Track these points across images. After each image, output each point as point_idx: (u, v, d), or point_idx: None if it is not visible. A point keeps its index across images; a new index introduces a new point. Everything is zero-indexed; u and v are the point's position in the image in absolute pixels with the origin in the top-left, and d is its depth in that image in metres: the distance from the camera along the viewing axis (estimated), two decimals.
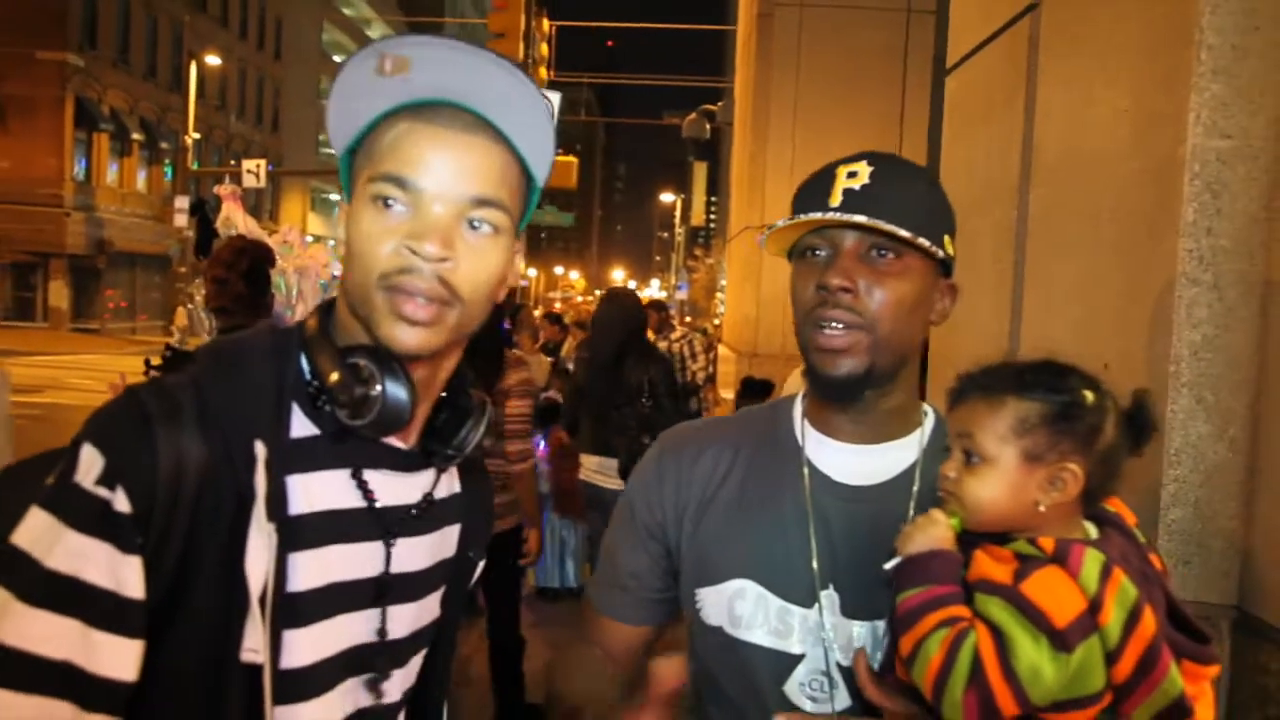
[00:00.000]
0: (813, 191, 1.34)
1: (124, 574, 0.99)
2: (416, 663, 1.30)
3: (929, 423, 1.44)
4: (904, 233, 1.27)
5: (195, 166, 33.35)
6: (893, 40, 8.71)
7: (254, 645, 1.04)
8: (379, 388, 1.10)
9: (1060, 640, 1.06)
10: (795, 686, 1.34)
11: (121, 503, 0.99)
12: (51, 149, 32.41)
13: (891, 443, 1.40)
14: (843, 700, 1.32)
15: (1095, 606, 1.08)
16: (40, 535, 0.98)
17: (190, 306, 5.37)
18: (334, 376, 1.11)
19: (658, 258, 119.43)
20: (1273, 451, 1.76)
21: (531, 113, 1.15)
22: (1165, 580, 1.21)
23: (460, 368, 1.27)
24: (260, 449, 1.06)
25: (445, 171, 1.10)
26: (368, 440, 1.15)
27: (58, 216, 32.41)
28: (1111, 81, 2.15)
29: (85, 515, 0.98)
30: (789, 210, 1.35)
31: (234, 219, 6.22)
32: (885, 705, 1.21)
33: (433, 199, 1.10)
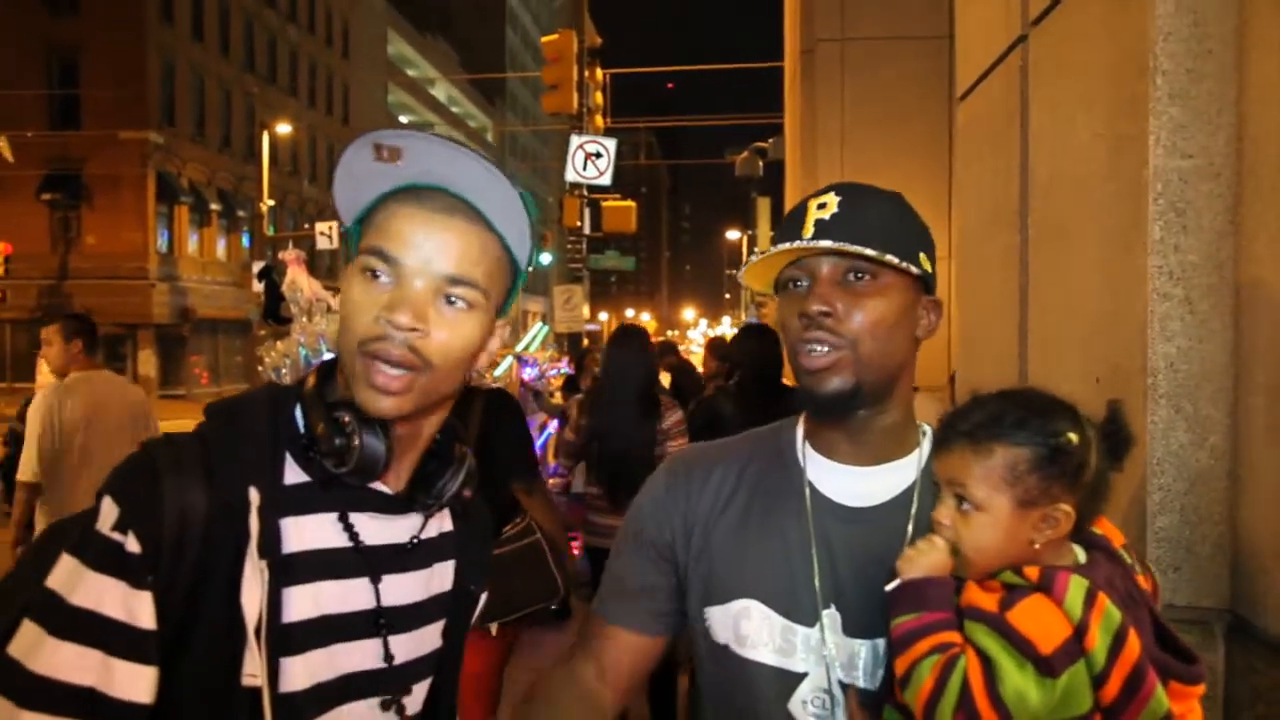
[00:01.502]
0: (788, 227, 1.39)
1: (137, 608, 1.12)
2: (421, 690, 1.40)
3: (927, 443, 1.45)
4: (870, 252, 1.32)
5: (271, 232, 34.54)
6: (935, 68, 8.73)
7: (253, 670, 1.16)
8: (358, 440, 1.23)
9: (1046, 666, 1.10)
10: (799, 704, 1.37)
11: (133, 545, 1.12)
12: (136, 224, 33.89)
13: (889, 464, 1.42)
14: (844, 718, 1.35)
15: (1080, 632, 1.11)
16: (66, 576, 1.12)
17: (261, 369, 5.60)
18: (319, 429, 1.24)
19: (728, 295, 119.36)
20: (1253, 457, 1.81)
21: (510, 201, 1.27)
22: (1153, 600, 1.25)
23: (450, 421, 1.40)
24: (254, 495, 1.19)
25: (425, 250, 1.22)
26: (354, 486, 1.28)
27: (144, 288, 33.80)
28: (1089, 107, 2.23)
29: (103, 557, 1.12)
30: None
31: (299, 282, 6.50)
32: None
33: (413, 274, 1.22)
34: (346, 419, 1.23)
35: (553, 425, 8.25)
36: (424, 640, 1.38)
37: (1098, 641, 1.11)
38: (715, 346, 8.15)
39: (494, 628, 3.98)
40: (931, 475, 1.38)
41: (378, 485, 1.31)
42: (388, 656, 1.31)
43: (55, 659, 1.08)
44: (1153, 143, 1.89)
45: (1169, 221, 1.89)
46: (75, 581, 1.11)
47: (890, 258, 1.32)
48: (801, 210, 1.39)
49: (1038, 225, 2.59)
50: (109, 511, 1.14)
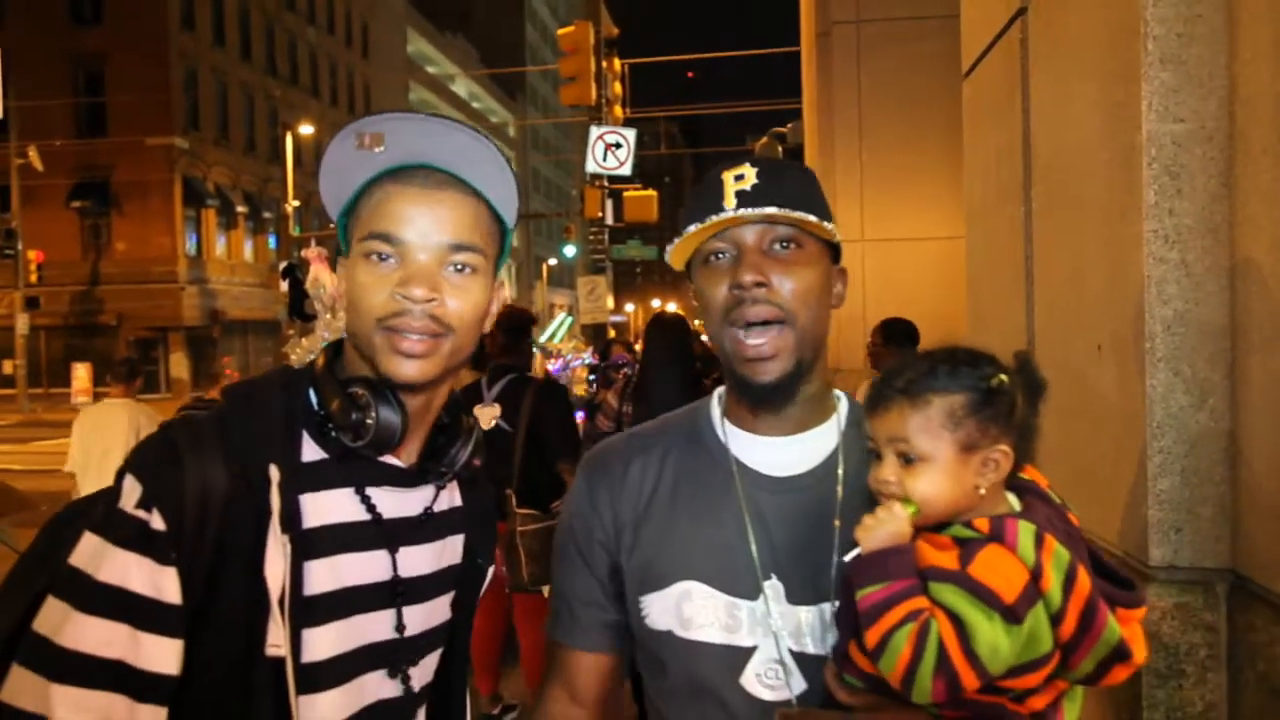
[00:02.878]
0: (704, 201, 1.37)
1: (162, 583, 1.17)
2: (432, 661, 1.45)
3: (843, 406, 1.48)
4: (812, 218, 1.34)
5: (297, 232, 34.78)
6: (952, 48, 8.63)
7: (276, 641, 1.21)
8: (374, 413, 1.28)
9: (1011, 614, 1.13)
10: (751, 678, 1.37)
11: (157, 522, 1.17)
12: (164, 228, 34.32)
13: (811, 431, 1.43)
14: (799, 685, 1.35)
15: (1036, 574, 1.15)
16: (91, 554, 1.17)
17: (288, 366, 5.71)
18: (335, 405, 1.29)
19: None
20: (1252, 419, 1.83)
21: (493, 167, 1.33)
22: (1083, 535, 1.28)
23: (453, 395, 1.45)
24: (274, 472, 1.24)
25: (425, 225, 1.28)
26: (369, 460, 1.33)
27: (174, 291, 34.20)
28: (1084, 76, 2.24)
29: (127, 534, 1.17)
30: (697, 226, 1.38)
31: (322, 279, 6.57)
32: (853, 702, 1.27)
33: (417, 249, 1.28)
34: (361, 393, 1.28)
35: (578, 416, 8.28)
36: (435, 612, 1.43)
37: (1052, 581, 1.15)
38: None
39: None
40: (853, 437, 1.42)
41: (391, 459, 1.35)
42: (399, 626, 1.35)
43: (84, 634, 1.13)
44: (1145, 108, 1.91)
45: (1163, 186, 1.90)
46: (100, 558, 1.16)
47: (828, 225, 1.35)
48: (717, 183, 1.38)
49: (1040, 197, 2.61)
50: (132, 490, 1.19)
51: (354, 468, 1.32)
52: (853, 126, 8.70)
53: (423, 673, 1.42)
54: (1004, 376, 1.24)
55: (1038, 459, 1.31)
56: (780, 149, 20.39)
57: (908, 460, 1.25)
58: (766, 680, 1.37)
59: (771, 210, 1.32)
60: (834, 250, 1.42)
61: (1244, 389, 1.85)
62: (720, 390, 1.54)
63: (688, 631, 1.40)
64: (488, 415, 4.79)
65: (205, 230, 36.46)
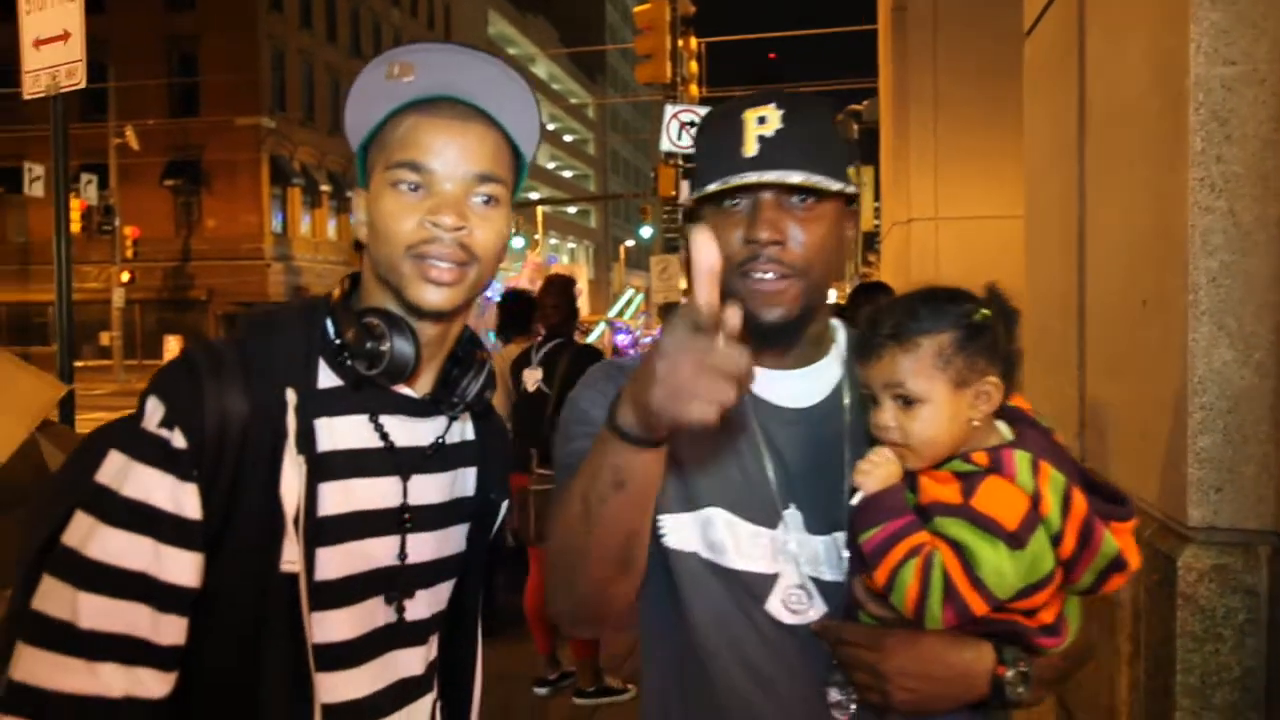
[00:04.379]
0: (723, 142, 1.34)
1: (183, 499, 1.22)
2: (445, 590, 1.48)
3: (841, 337, 1.49)
4: (834, 185, 1.32)
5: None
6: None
7: (291, 558, 1.25)
8: (388, 342, 1.30)
9: (1015, 540, 1.19)
10: (776, 603, 1.38)
11: (179, 440, 1.22)
12: (251, 207, 35.25)
13: (817, 364, 1.45)
14: (819, 609, 1.38)
15: (1035, 500, 1.21)
16: (116, 471, 1.22)
17: None
18: (351, 334, 1.32)
19: None
20: None
21: (518, 100, 1.37)
22: (1070, 454, 1.31)
23: (467, 329, 1.47)
24: (291, 395, 1.28)
25: (452, 154, 1.31)
26: (383, 389, 1.36)
27: (260, 268, 35.12)
28: (1136, 25, 2.16)
29: (150, 452, 1.22)
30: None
31: None
32: (882, 614, 1.29)
33: (444, 178, 1.30)
34: (376, 323, 1.31)
35: None
36: (446, 542, 1.45)
37: (1051, 505, 1.21)
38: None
39: None
40: (853, 366, 1.42)
41: (405, 389, 1.38)
42: (402, 554, 1.38)
43: (110, 546, 1.18)
44: (1193, 50, 1.83)
45: (1211, 132, 1.82)
46: (125, 475, 1.21)
47: (850, 189, 1.34)
48: (738, 124, 1.34)
49: (1094, 155, 2.53)
50: (154, 410, 1.24)
51: (368, 396, 1.35)
52: (928, 102, 8.51)
53: (431, 601, 1.45)
54: (985, 310, 1.27)
55: (1021, 393, 1.33)
56: (855, 127, 20.11)
57: (906, 403, 1.27)
58: (792, 605, 1.38)
59: (796, 179, 1.30)
60: (850, 197, 1.40)
61: None
62: None
63: (715, 555, 1.40)
64: (531, 378, 4.98)
65: (291, 208, 37.34)
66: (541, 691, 5.08)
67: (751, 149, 1.32)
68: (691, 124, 14.28)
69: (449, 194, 1.30)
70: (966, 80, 8.31)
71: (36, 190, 23.96)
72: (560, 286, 5.35)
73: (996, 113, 8.08)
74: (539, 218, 39.24)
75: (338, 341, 1.34)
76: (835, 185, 1.32)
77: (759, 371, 1.43)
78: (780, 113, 1.33)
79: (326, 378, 1.34)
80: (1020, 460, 1.22)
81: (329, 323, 1.37)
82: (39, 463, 2.46)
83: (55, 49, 5.14)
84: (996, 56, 8.29)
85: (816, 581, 1.38)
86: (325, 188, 39.03)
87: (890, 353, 1.28)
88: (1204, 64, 1.83)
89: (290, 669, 1.26)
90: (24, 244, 34.52)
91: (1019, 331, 1.29)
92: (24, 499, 1.88)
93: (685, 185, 19.50)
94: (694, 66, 20.35)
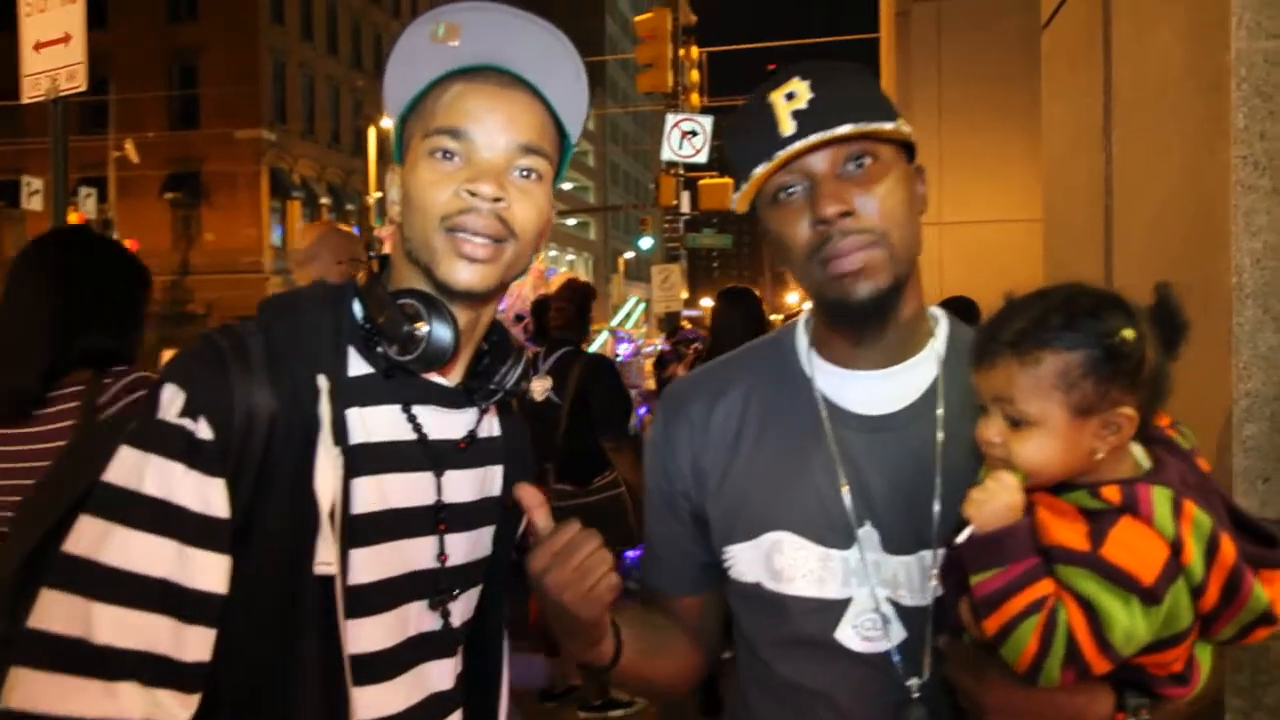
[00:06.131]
0: (756, 132, 1.24)
1: (210, 496, 1.10)
2: (473, 596, 1.38)
3: (941, 330, 1.35)
4: (888, 125, 1.20)
5: (378, 224, 35.33)
6: (1034, 25, 8.40)
7: (326, 559, 1.13)
8: (425, 326, 1.21)
9: (1150, 596, 1.03)
10: (848, 631, 1.28)
11: (204, 431, 1.10)
12: (250, 220, 35.21)
13: (906, 362, 1.31)
14: (898, 635, 1.27)
15: (1176, 549, 1.04)
16: (132, 468, 1.09)
17: None
18: (384, 317, 1.22)
19: None
20: None
21: (568, 73, 1.28)
22: (1217, 485, 1.15)
23: (497, 320, 1.38)
24: (323, 382, 1.17)
25: (494, 123, 1.22)
26: (416, 378, 1.26)
27: (259, 281, 34.99)
28: (1168, 2, 2.10)
29: (172, 445, 1.10)
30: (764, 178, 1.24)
31: None
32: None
33: (485, 147, 1.22)
34: (411, 304, 1.22)
35: (641, 411, 8.09)
36: (478, 543, 1.36)
37: (1194, 554, 1.04)
38: None
39: None
40: (953, 365, 1.30)
41: (437, 378, 1.29)
42: (441, 554, 1.29)
43: (128, 550, 1.05)
44: (1235, 24, 1.77)
45: (1254, 108, 1.76)
46: (143, 471, 1.08)
47: (904, 127, 1.24)
48: (767, 108, 1.24)
49: (1121, 142, 2.46)
50: (173, 398, 1.12)
51: (400, 384, 1.26)
52: (932, 108, 8.47)
53: (463, 607, 1.35)
54: (1129, 332, 1.06)
55: None
56: None
57: (1015, 422, 1.10)
58: (865, 632, 1.28)
59: (845, 129, 1.18)
60: (909, 150, 1.29)
61: None
62: (804, 317, 1.42)
63: (778, 585, 1.32)
64: (540, 387, 4.79)
65: (290, 222, 37.27)
66: (548, 705, 5.00)
67: (789, 127, 1.22)
68: (693, 133, 14.27)
69: (489, 163, 1.21)
70: (971, 85, 8.29)
71: (35, 204, 23.85)
72: (573, 290, 5.21)
73: (1002, 117, 8.06)
74: None
75: (368, 326, 1.25)
76: (889, 125, 1.22)
77: (838, 373, 1.34)
78: (807, 83, 1.23)
79: (357, 365, 1.24)
80: (1159, 499, 1.05)
81: (356, 306, 1.28)
82: None
83: (56, 51, 5.06)
84: (1002, 61, 8.30)
85: (895, 605, 1.28)
86: (325, 200, 38.99)
87: (1006, 363, 1.09)
88: (1245, 38, 1.77)
89: (324, 684, 1.14)
90: None
91: (1183, 346, 1.11)
92: None
93: (685, 194, 19.48)
94: (695, 75, 20.35)
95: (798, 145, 1.19)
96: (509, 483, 1.42)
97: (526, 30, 1.24)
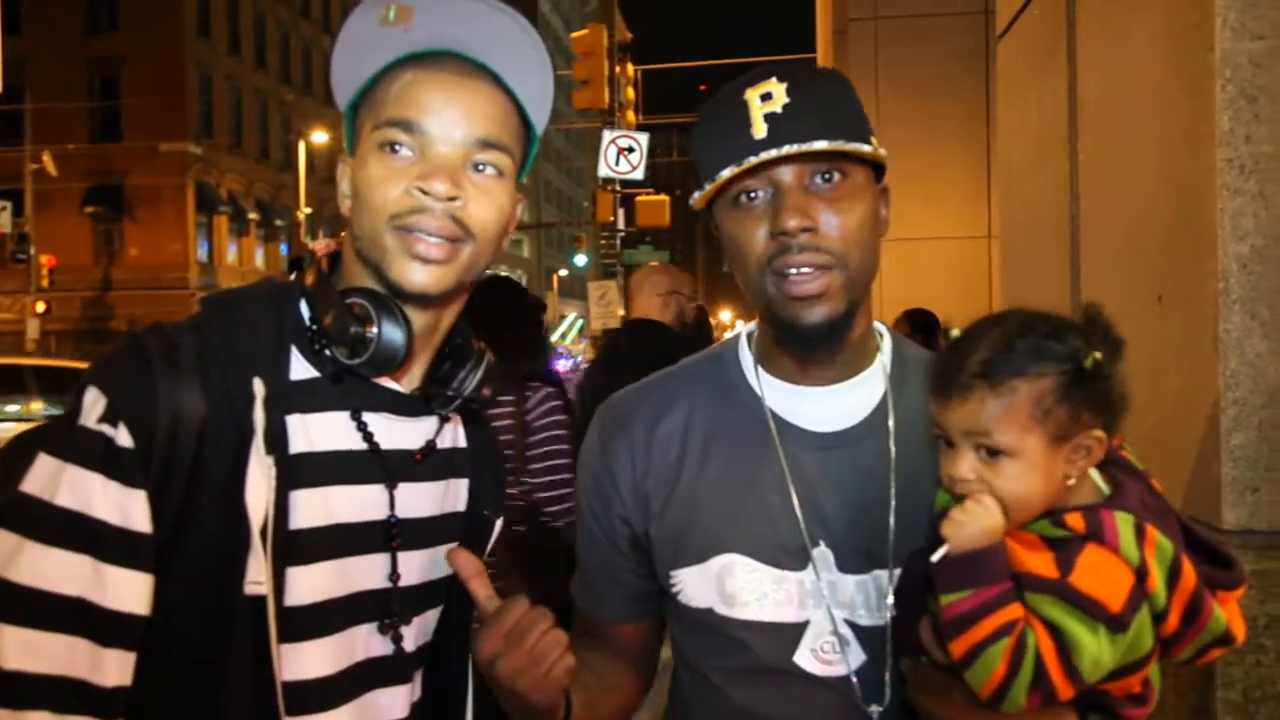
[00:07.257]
0: (728, 129, 1.19)
1: (130, 508, 1.00)
2: (432, 618, 1.28)
3: (886, 344, 1.32)
4: (865, 147, 1.15)
5: (308, 240, 34.79)
6: (972, 44, 8.52)
7: (257, 577, 1.04)
8: (375, 327, 1.11)
9: (1117, 623, 1.02)
10: (806, 654, 1.24)
11: (124, 438, 1.01)
12: (176, 235, 34.27)
13: (855, 379, 1.28)
14: (857, 657, 1.23)
15: (1141, 575, 1.03)
16: (48, 478, 1.00)
17: None
18: (331, 316, 1.12)
19: None
20: None
21: (530, 60, 1.18)
22: (1170, 506, 1.14)
23: (460, 320, 1.28)
24: (259, 386, 1.08)
25: (450, 115, 1.12)
26: (367, 383, 1.16)
27: (185, 298, 34.10)
28: (1145, 8, 2.07)
29: (89, 453, 1.00)
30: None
31: None
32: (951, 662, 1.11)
33: (439, 141, 1.12)
34: (360, 304, 1.12)
35: None
36: (437, 562, 1.26)
37: (1157, 580, 1.03)
38: None
39: None
40: (900, 381, 1.27)
41: (390, 383, 1.19)
42: (393, 574, 1.19)
43: (39, 567, 0.97)
44: (1219, 25, 1.74)
45: (1239, 110, 1.73)
46: (58, 481, 0.99)
47: (882, 151, 1.19)
48: (741, 105, 1.18)
49: (1088, 149, 2.43)
50: (94, 402, 1.02)
51: (349, 390, 1.16)
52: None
53: (418, 631, 1.25)
54: (1098, 354, 1.05)
55: None
56: None
57: (990, 454, 1.07)
58: (823, 655, 1.23)
59: (820, 146, 1.13)
60: (879, 169, 1.24)
61: None
62: (747, 332, 1.36)
63: (731, 609, 1.25)
64: None
65: (217, 237, 36.46)
66: None
67: (760, 130, 1.15)
68: (630, 149, 14.26)
69: (444, 159, 1.12)
70: (909, 103, 8.38)
71: None
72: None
73: (939, 135, 8.17)
74: None
75: (314, 327, 1.14)
76: (866, 147, 1.16)
77: (787, 389, 1.29)
78: (784, 85, 1.17)
79: (300, 368, 1.14)
80: (1123, 525, 1.04)
81: (303, 305, 1.17)
82: None
83: None
84: (938, 81, 8.42)
85: (853, 626, 1.23)
86: (253, 216, 38.23)
87: (978, 394, 1.07)
88: (1230, 39, 1.73)
89: (255, 713, 1.05)
90: None
91: (1122, 366, 1.10)
92: None
93: (622, 210, 19.46)
94: (631, 93, 20.39)
95: (767, 155, 1.14)
96: (476, 498, 1.32)
97: (485, 14, 1.14)
